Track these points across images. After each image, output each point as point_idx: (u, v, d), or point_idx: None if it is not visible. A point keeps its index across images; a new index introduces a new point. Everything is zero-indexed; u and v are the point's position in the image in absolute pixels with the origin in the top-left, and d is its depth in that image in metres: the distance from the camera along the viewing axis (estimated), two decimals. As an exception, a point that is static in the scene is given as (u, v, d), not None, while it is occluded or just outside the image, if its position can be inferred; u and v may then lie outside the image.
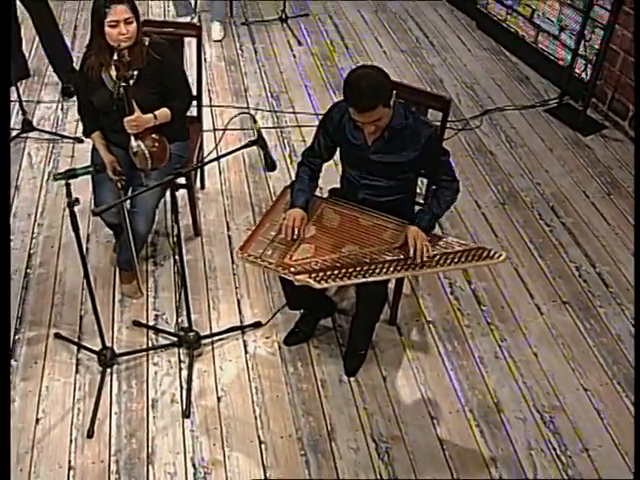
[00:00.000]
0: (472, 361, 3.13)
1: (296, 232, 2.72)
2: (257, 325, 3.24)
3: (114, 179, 3.10)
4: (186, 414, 2.87)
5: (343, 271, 2.61)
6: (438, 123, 2.91)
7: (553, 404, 2.96)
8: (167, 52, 3.08)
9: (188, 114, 3.34)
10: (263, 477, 2.68)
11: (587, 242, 3.77)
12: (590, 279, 3.55)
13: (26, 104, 4.36)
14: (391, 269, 2.62)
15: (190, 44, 3.79)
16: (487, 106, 4.85)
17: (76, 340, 3.15)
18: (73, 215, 2.51)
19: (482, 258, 2.67)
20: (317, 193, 2.97)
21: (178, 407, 2.91)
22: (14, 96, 4.31)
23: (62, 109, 4.66)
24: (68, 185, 2.49)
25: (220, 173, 4.17)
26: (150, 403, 2.92)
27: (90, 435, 2.79)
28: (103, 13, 2.84)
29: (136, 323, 3.24)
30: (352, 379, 3.04)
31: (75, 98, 4.65)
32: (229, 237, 3.73)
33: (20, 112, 4.34)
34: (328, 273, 2.61)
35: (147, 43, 3.01)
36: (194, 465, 2.71)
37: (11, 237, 3.66)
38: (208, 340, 3.15)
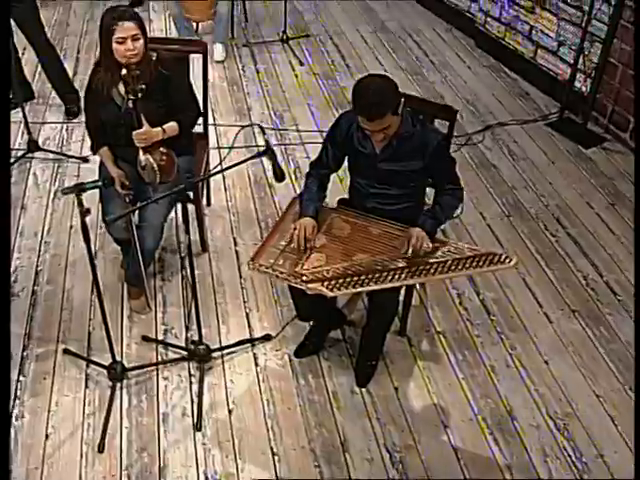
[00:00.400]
0: (483, 370, 3.12)
1: (307, 241, 2.73)
2: (267, 338, 3.24)
3: (122, 194, 3.12)
4: (198, 427, 2.85)
5: (355, 279, 2.62)
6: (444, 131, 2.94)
7: (566, 411, 2.94)
8: (174, 67, 3.11)
9: (194, 130, 3.37)
10: (277, 489, 2.67)
11: (593, 252, 3.78)
12: (598, 288, 3.55)
13: (31, 125, 4.39)
14: (403, 275, 2.63)
15: (194, 61, 3.82)
16: (489, 121, 4.89)
17: (85, 355, 3.13)
18: (84, 225, 2.51)
19: (493, 263, 2.68)
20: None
21: (189, 420, 2.89)
22: (19, 116, 4.35)
23: (67, 129, 4.68)
24: (79, 196, 2.50)
25: (226, 190, 4.19)
26: (161, 417, 2.90)
27: (101, 450, 2.77)
28: (111, 30, 2.87)
29: (145, 338, 3.23)
30: (364, 390, 3.02)
31: (79, 118, 4.75)
32: (236, 252, 3.74)
33: (26, 132, 4.36)
34: (340, 281, 2.61)
35: (155, 58, 3.04)
36: (207, 478, 2.69)
37: (18, 255, 3.66)
38: (218, 353, 3.14)
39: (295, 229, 2.76)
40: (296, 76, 5.43)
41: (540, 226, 3.95)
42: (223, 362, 3.13)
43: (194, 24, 5.71)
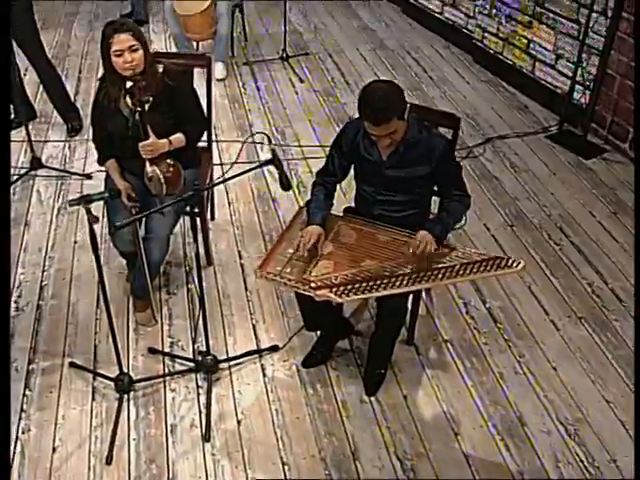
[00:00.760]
0: (492, 377, 3.11)
1: (314, 248, 2.73)
2: (274, 349, 3.22)
3: (128, 205, 3.12)
4: (206, 438, 2.83)
5: (364, 285, 2.62)
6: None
7: (576, 417, 2.93)
8: (181, 79, 3.14)
9: (198, 144, 3.38)
10: (288, 498, 2.64)
11: (597, 259, 3.79)
12: (603, 295, 3.55)
13: (34, 144, 4.41)
14: (411, 281, 2.63)
15: (196, 78, 3.85)
16: (489, 134, 4.93)
17: (91, 368, 3.12)
18: (92, 232, 2.52)
19: (500, 267, 2.69)
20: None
21: (198, 432, 2.87)
22: (22, 135, 4.38)
23: (69, 147, 4.70)
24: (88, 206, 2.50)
25: (229, 204, 4.20)
26: (169, 428, 2.88)
27: (109, 462, 2.74)
28: (109, 43, 2.90)
29: (152, 350, 3.22)
30: (373, 399, 3.01)
31: (80, 136, 4.78)
32: (241, 265, 3.74)
33: (29, 150, 4.38)
34: (349, 287, 2.61)
35: (161, 70, 3.07)
36: (217, 488, 2.67)
37: (22, 270, 3.66)
38: (225, 365, 3.12)
39: (302, 236, 2.77)
40: (296, 93, 5.47)
41: (544, 235, 3.97)
42: (230, 373, 3.12)
43: (194, 43, 5.77)
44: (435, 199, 3.13)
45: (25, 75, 5.04)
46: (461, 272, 2.67)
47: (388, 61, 6.00)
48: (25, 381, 3.06)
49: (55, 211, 4.11)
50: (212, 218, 4.02)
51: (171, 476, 2.70)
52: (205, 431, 2.84)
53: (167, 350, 3.23)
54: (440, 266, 2.69)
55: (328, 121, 5.08)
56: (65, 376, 3.10)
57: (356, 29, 6.69)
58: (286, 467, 2.73)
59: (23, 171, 4.36)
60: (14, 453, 2.77)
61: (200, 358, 3.07)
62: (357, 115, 2.73)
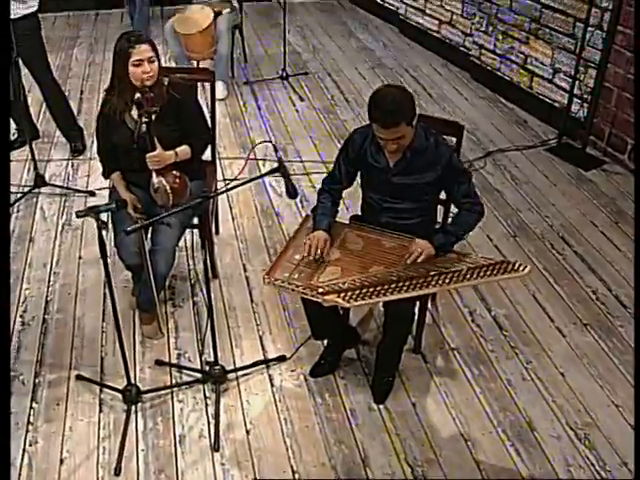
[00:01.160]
0: (500, 384, 3.11)
1: (320, 252, 2.75)
2: (282, 359, 3.22)
3: (134, 217, 3.14)
4: (215, 448, 2.81)
5: (371, 290, 2.63)
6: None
7: (586, 421, 2.92)
8: (186, 91, 3.17)
9: (203, 158, 3.41)
10: (299, 506, 2.62)
11: (601, 268, 3.80)
12: (608, 302, 3.57)
13: (37, 162, 4.43)
14: (419, 285, 2.64)
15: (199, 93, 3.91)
16: (489, 148, 4.98)
17: (98, 380, 3.11)
18: (101, 238, 2.53)
19: (507, 271, 2.70)
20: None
21: (206, 442, 2.85)
22: (25, 154, 4.41)
23: (72, 166, 4.73)
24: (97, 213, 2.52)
25: (233, 219, 4.22)
26: (178, 439, 2.87)
27: (117, 473, 2.72)
28: (128, 53, 2.94)
29: (159, 362, 3.21)
30: (381, 406, 3.00)
31: (84, 155, 4.81)
32: (246, 278, 3.74)
33: (32, 168, 4.41)
34: (357, 292, 2.62)
35: (166, 82, 3.10)
36: (227, 497, 2.65)
37: (27, 285, 3.66)
38: (233, 375, 3.12)
39: (308, 240, 2.78)
40: (297, 111, 5.52)
41: (546, 245, 3.99)
42: (238, 384, 3.11)
43: (195, 63, 5.82)
44: (439, 208, 3.17)
45: (29, 92, 5.06)
46: (468, 276, 2.68)
47: (387, 79, 6.06)
48: (32, 394, 3.04)
49: (59, 227, 4.12)
50: (217, 232, 4.03)
51: (180, 486, 2.69)
52: (214, 441, 2.83)
53: (174, 362, 3.23)
54: (447, 270, 2.70)
55: (329, 137, 5.12)
56: (72, 389, 3.09)
57: (354, 49, 6.77)
58: (296, 475, 2.72)
59: (27, 189, 4.38)
60: (21, 465, 2.75)
61: (208, 369, 3.06)
62: None
